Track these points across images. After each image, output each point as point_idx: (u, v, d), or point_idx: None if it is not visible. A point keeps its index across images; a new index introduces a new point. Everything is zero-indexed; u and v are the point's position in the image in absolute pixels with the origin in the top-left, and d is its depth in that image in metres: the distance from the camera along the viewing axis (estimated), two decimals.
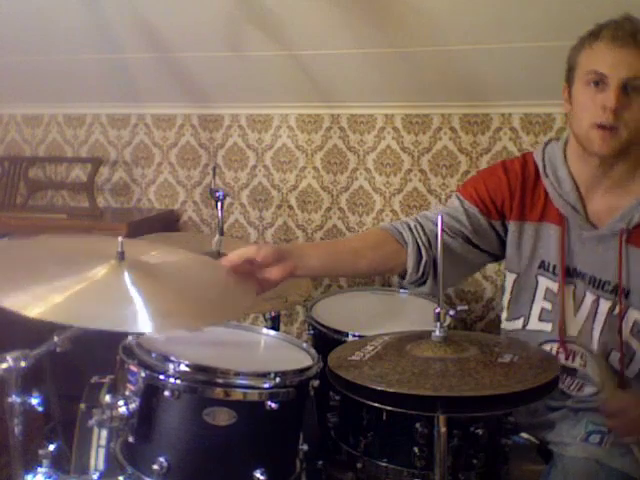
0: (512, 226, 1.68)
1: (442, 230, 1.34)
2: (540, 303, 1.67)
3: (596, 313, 1.61)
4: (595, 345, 1.62)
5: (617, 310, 1.58)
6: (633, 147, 1.52)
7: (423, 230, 1.67)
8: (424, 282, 1.68)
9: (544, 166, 1.65)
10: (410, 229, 1.67)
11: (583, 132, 1.52)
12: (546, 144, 1.70)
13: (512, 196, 1.68)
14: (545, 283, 1.66)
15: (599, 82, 1.47)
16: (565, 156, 1.63)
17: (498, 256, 1.76)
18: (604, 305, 1.59)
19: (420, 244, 1.65)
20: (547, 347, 1.67)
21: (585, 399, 1.65)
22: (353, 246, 1.66)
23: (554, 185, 1.62)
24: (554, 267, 1.64)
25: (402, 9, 2.28)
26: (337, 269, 1.64)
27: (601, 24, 1.51)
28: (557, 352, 1.65)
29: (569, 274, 1.63)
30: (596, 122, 1.48)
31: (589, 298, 1.62)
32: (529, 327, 1.70)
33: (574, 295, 1.63)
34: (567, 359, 1.65)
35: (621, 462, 1.55)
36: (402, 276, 1.71)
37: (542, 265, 1.66)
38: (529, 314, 1.70)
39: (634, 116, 1.46)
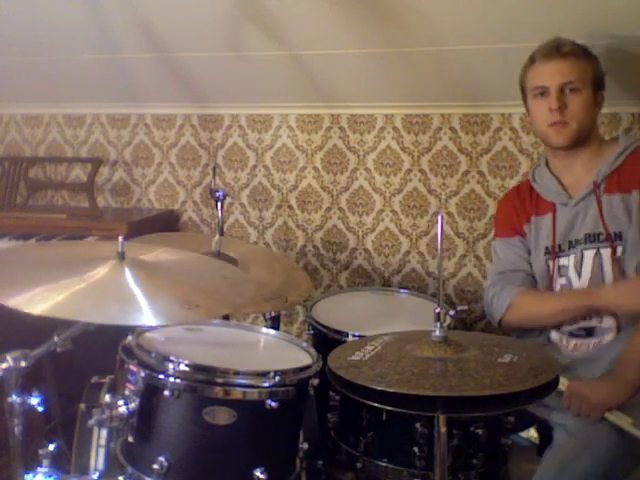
0: (525, 229, 1.99)
1: (442, 235, 1.36)
2: (558, 282, 1.90)
3: (602, 264, 1.83)
4: None
5: (618, 253, 1.81)
6: (591, 136, 1.89)
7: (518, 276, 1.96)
8: None
9: (533, 174, 2.02)
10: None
11: (542, 133, 1.92)
12: (536, 165, 2.07)
13: (520, 212, 2.00)
14: (557, 262, 1.89)
15: (543, 93, 1.86)
16: (547, 160, 2.01)
17: None
18: (605, 253, 1.83)
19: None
20: None
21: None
22: None
23: (540, 183, 1.98)
24: (559, 246, 1.89)
25: (402, 9, 2.28)
26: None
27: (535, 50, 1.89)
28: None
29: (567, 248, 1.89)
30: (548, 122, 1.86)
31: (588, 255, 1.85)
32: None
33: (574, 262, 1.87)
34: (584, 319, 1.84)
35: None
36: None
37: (547, 251, 1.92)
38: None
39: (577, 111, 1.84)
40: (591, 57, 1.87)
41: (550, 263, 1.91)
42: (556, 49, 1.84)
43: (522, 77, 1.95)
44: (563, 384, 1.68)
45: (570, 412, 1.68)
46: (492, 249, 2.10)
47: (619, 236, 1.82)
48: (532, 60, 1.89)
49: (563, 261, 1.89)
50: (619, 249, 1.81)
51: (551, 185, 1.94)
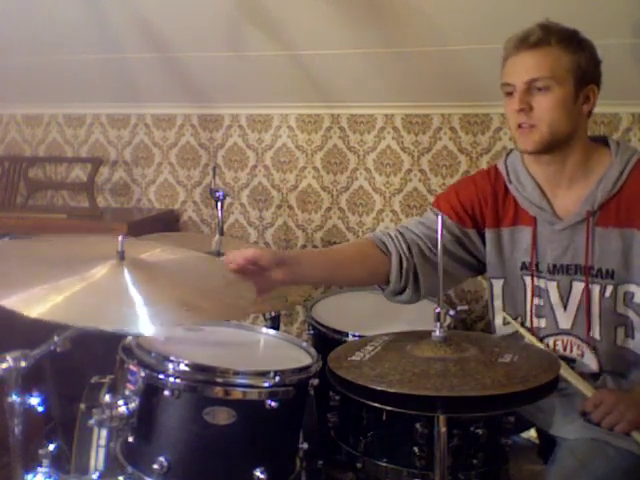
0: (489, 234, 1.75)
1: (441, 234, 1.35)
2: (535, 300, 1.72)
3: (589, 300, 1.64)
4: (596, 330, 1.66)
5: (608, 291, 1.63)
6: (575, 140, 1.62)
7: (403, 238, 1.74)
8: (403, 291, 1.74)
9: (507, 174, 1.74)
10: (392, 238, 1.73)
11: (513, 136, 1.66)
12: (507, 154, 1.79)
13: (484, 204, 1.76)
14: (535, 282, 1.71)
15: (511, 91, 1.61)
16: (523, 161, 1.72)
17: (474, 268, 1.82)
18: (595, 289, 1.64)
19: (401, 253, 1.71)
20: (545, 342, 1.71)
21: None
22: (347, 256, 1.72)
23: (519, 189, 1.71)
24: (537, 265, 1.70)
25: (402, 9, 2.28)
26: (331, 279, 1.71)
27: (506, 41, 1.64)
28: (554, 345, 1.71)
29: (549, 271, 1.69)
30: (515, 125, 1.61)
31: (577, 288, 1.66)
32: (536, 325, 1.73)
33: (559, 290, 1.68)
34: (564, 350, 1.70)
35: (627, 442, 1.56)
36: (382, 287, 1.77)
37: (524, 266, 1.72)
38: (525, 312, 1.74)
39: (544, 112, 1.57)
40: (575, 44, 1.59)
41: (527, 279, 1.71)
42: (522, 40, 1.58)
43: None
44: (588, 390, 1.61)
45: (592, 418, 1.56)
46: (428, 211, 1.84)
47: (611, 274, 1.62)
48: (505, 53, 1.64)
49: (539, 282, 1.70)
50: (609, 287, 1.62)
51: (533, 195, 1.69)
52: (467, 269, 1.81)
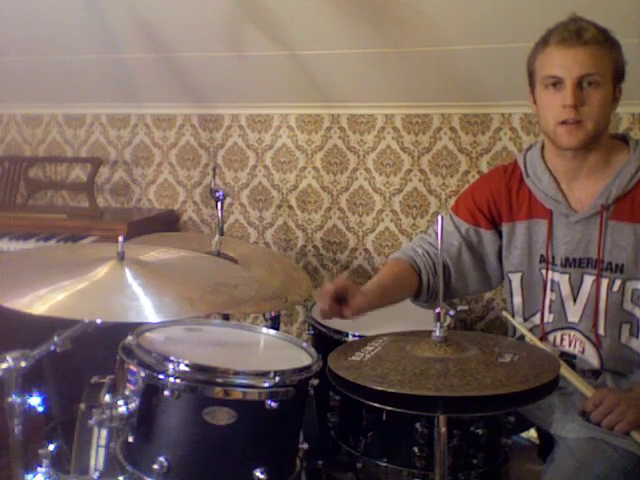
0: (505, 228, 1.79)
1: (442, 236, 1.38)
2: (550, 295, 1.73)
3: (598, 294, 1.66)
4: (601, 325, 1.67)
5: (616, 286, 1.65)
6: (603, 137, 1.64)
7: (429, 257, 1.79)
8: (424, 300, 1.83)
9: (525, 168, 1.76)
10: (420, 257, 1.80)
11: (550, 130, 1.63)
12: (527, 149, 1.80)
13: (498, 201, 1.78)
14: (550, 275, 1.72)
15: (556, 83, 1.59)
16: (543, 155, 1.74)
17: (482, 282, 1.85)
18: (603, 283, 1.66)
19: (429, 272, 1.78)
20: (551, 336, 1.73)
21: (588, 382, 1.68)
22: (395, 286, 1.76)
23: (535, 182, 1.73)
24: (552, 258, 1.72)
25: (402, 9, 2.28)
26: (382, 306, 1.73)
27: (550, 28, 1.62)
28: (561, 340, 1.73)
29: (562, 264, 1.71)
30: (560, 120, 1.59)
31: (587, 281, 1.68)
32: (545, 320, 1.75)
33: (570, 283, 1.70)
34: (570, 346, 1.72)
35: (625, 441, 1.56)
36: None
37: (542, 259, 1.73)
38: (543, 307, 1.75)
39: (594, 108, 1.57)
40: (614, 44, 1.60)
41: (544, 272, 1.72)
42: (576, 34, 1.56)
43: (531, 60, 1.65)
44: (588, 389, 1.61)
45: (592, 417, 1.56)
46: (447, 216, 1.85)
47: (620, 268, 1.64)
48: (545, 41, 1.61)
49: (553, 275, 1.71)
50: (617, 282, 1.64)
51: (549, 189, 1.70)
52: (475, 284, 1.84)
